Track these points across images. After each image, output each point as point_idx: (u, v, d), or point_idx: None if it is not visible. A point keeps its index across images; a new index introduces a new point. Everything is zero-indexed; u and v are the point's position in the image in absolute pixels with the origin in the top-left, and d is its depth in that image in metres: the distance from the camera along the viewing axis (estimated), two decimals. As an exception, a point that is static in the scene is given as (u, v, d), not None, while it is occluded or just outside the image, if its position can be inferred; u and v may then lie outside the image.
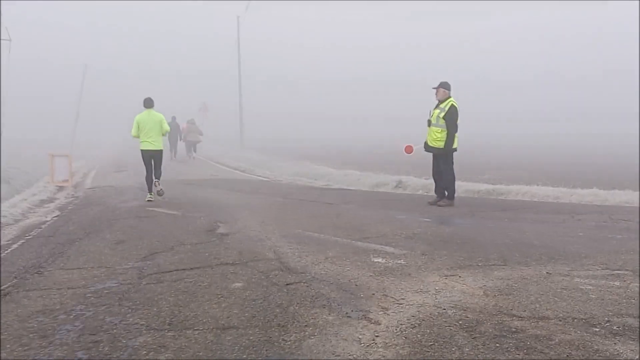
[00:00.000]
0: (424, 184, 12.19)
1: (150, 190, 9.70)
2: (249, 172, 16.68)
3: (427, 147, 8.30)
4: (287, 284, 4.03)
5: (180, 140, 23.35)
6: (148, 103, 9.81)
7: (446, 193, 8.32)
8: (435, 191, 8.48)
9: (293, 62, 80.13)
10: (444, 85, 8.09)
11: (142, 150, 9.77)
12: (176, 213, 7.81)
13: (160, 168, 9.84)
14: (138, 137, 9.69)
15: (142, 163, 9.82)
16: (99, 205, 9.21)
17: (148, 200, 9.44)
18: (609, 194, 9.32)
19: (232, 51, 34.37)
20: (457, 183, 11.70)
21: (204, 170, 17.38)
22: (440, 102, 8.10)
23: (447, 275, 4.25)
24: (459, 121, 8.07)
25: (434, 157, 8.31)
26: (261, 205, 8.48)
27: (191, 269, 4.59)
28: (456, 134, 8.05)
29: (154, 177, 9.74)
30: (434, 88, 8.15)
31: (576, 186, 10.58)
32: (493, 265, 4.55)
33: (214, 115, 42.43)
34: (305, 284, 4.02)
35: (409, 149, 9.01)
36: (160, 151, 9.83)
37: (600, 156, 23.23)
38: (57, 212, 8.46)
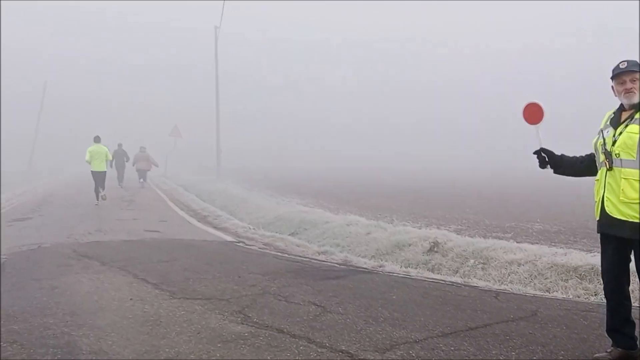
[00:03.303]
0: (474, 247, 7.44)
1: (97, 198, 14.69)
2: (210, 222, 11.55)
3: (607, 220, 3.21)
4: None
5: (131, 166, 22.79)
6: (96, 139, 14.88)
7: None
8: (611, 325, 3.35)
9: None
10: None
11: (92, 171, 14.70)
12: None
13: (103, 183, 14.80)
14: (89, 162, 14.55)
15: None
16: None
17: (96, 204, 14.37)
18: None
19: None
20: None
21: (148, 216, 12.26)
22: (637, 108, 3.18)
23: None
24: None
25: (614, 243, 3.29)
26: None
27: None
28: None
29: (99, 189, 14.69)
30: (624, 71, 3.21)
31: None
32: None
33: (188, 140, 37.53)
34: None
35: (534, 113, 3.70)
36: (104, 172, 14.81)
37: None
38: None
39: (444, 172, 37.35)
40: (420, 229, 9.91)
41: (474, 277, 6.77)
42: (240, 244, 8.58)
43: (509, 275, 6.76)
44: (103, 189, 14.76)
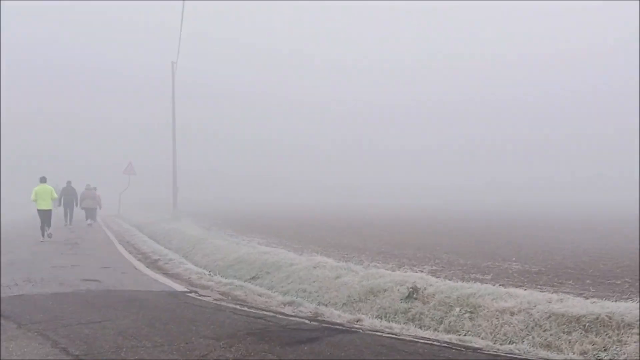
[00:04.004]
0: (458, 293, 6.64)
1: (42, 235, 15.05)
2: (161, 267, 10.28)
3: None
4: None
5: (76, 206, 21.58)
6: (42, 180, 15.37)
7: None
8: None
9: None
10: None
11: (38, 210, 15.20)
12: None
13: (50, 221, 15.40)
14: (35, 200, 15.08)
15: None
16: None
17: (41, 241, 14.64)
18: None
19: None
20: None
21: (90, 261, 10.87)
22: None
23: None
24: None
25: None
26: None
27: None
28: None
29: (45, 227, 15.17)
30: None
31: None
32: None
33: (146, 176, 35.97)
34: None
35: None
36: (50, 210, 15.38)
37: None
38: None
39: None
40: (393, 271, 9.02)
41: (462, 329, 5.93)
42: (192, 295, 7.39)
43: (502, 326, 5.94)
44: (49, 227, 15.36)
